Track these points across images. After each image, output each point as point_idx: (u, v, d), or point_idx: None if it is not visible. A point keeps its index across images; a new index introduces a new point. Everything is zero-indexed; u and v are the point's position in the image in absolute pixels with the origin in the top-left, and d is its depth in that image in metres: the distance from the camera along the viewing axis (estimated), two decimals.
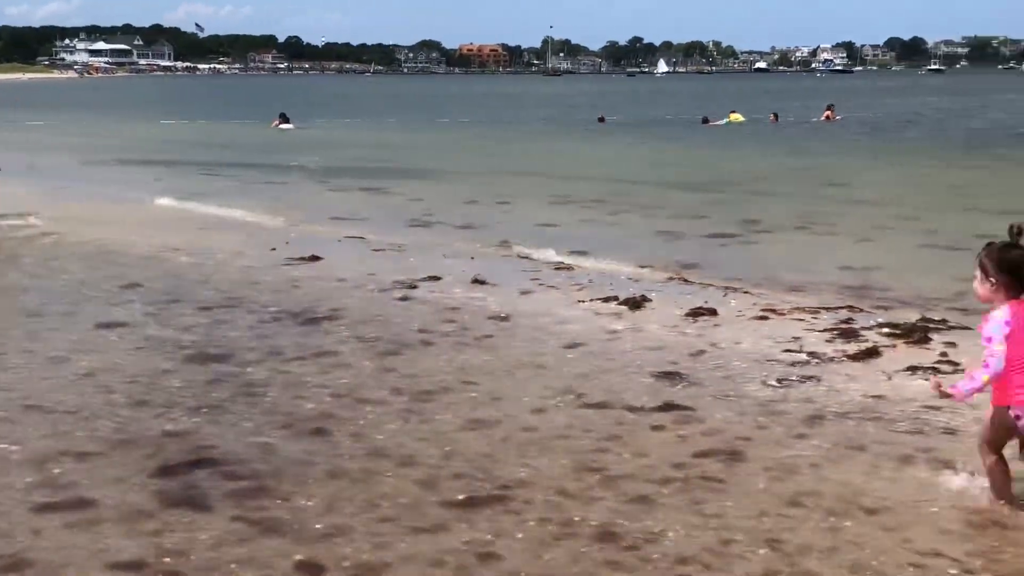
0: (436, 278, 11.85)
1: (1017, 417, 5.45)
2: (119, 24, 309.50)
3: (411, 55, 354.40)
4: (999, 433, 5.56)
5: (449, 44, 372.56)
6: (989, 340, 5.43)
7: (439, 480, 5.92)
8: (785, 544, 5.13)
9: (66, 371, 8.13)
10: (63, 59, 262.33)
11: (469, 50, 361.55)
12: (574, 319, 9.97)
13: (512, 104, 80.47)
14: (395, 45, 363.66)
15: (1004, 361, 5.37)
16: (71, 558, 4.97)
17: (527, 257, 13.63)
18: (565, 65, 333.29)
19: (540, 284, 11.72)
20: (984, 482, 5.68)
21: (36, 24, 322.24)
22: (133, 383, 7.80)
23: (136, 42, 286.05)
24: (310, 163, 28.55)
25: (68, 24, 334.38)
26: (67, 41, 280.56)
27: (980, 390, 5.52)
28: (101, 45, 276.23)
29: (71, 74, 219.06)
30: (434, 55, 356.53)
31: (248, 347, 8.85)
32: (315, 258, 13.13)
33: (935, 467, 6.09)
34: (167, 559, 4.96)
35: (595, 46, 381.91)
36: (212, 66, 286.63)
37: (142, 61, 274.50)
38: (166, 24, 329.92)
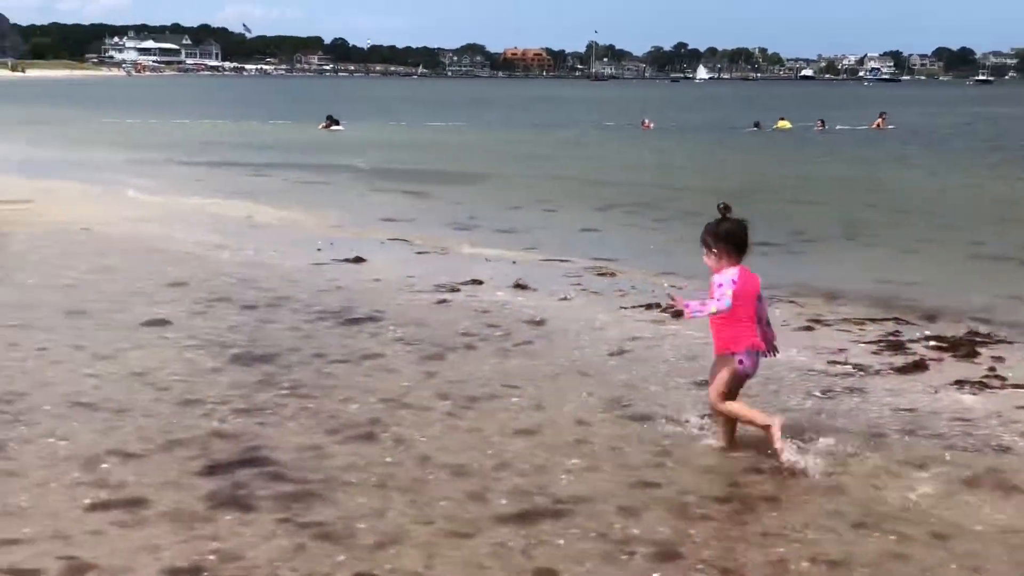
0: (478, 282, 11.85)
1: (740, 362, 6.38)
2: (168, 23, 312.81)
3: (455, 58, 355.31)
4: (730, 380, 6.46)
5: (493, 48, 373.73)
6: (720, 286, 6.35)
7: (491, 492, 5.87)
8: (847, 567, 5.06)
9: (114, 369, 8.20)
10: (112, 57, 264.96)
11: (513, 54, 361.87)
12: (616, 326, 9.93)
13: (556, 108, 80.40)
14: (440, 48, 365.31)
15: (730, 301, 6.26)
16: (130, 562, 4.98)
17: (569, 262, 13.61)
18: (609, 70, 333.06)
19: (582, 290, 11.70)
20: None
21: (87, 21, 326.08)
22: (180, 382, 7.86)
23: (184, 41, 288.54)
24: (357, 164, 28.63)
25: (118, 22, 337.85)
26: (116, 39, 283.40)
27: (702, 315, 6.41)
28: (150, 44, 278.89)
29: (119, 72, 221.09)
30: (478, 59, 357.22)
31: (293, 348, 8.89)
32: (359, 260, 13.18)
33: (994, 486, 6.01)
34: (222, 565, 4.96)
35: (639, 51, 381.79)
36: (259, 67, 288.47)
37: (189, 60, 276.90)
38: (214, 24, 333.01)
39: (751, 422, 6.48)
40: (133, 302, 10.56)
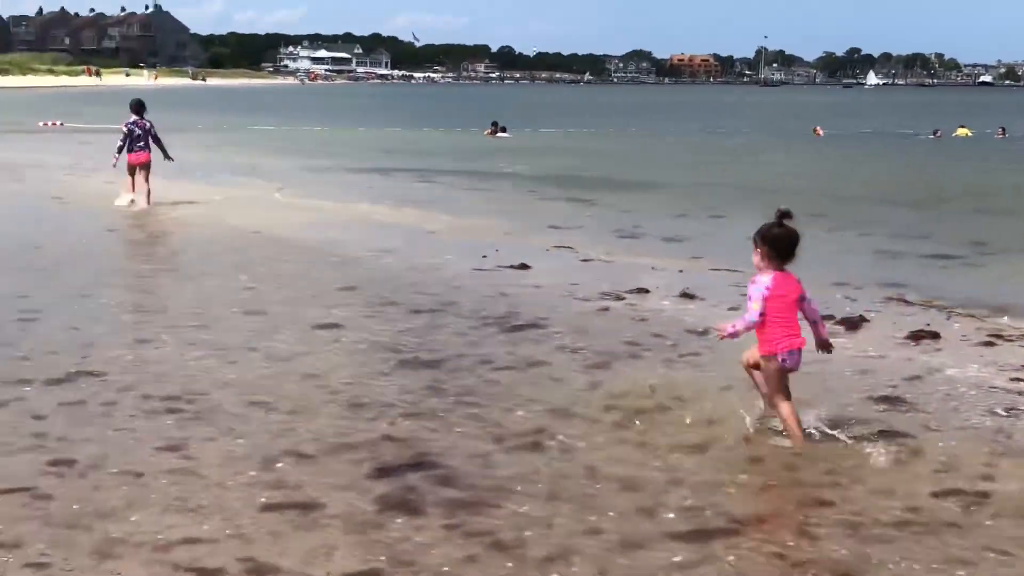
0: (644, 291, 11.75)
1: (783, 361, 6.69)
2: (340, 32, 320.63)
3: (621, 65, 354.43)
4: (776, 379, 6.77)
5: (660, 54, 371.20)
6: (750, 299, 6.73)
7: (661, 507, 5.78)
8: None
9: (287, 370, 8.39)
10: (286, 66, 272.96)
11: (680, 60, 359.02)
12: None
13: (725, 114, 79.44)
14: (606, 55, 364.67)
15: (757, 316, 6.65)
16: (305, 564, 5.05)
17: (738, 272, 13.37)
18: (778, 76, 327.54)
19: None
20: None
21: (263, 31, 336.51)
22: (351, 385, 7.99)
23: (356, 50, 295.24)
24: (522, 171, 28.76)
25: (293, 32, 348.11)
26: (291, 48, 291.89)
27: (737, 335, 6.80)
28: (323, 53, 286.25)
29: (293, 80, 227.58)
30: (644, 65, 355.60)
31: (460, 354, 8.95)
32: (524, 266, 13.21)
33: None
34: (394, 570, 5.00)
35: (810, 57, 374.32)
36: (427, 75, 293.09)
37: (360, 69, 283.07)
38: (385, 33, 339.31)
39: (789, 429, 6.77)
40: (306, 305, 10.80)
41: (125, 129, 18.58)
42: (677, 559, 5.16)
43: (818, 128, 51.65)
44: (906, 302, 11.52)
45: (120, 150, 18.57)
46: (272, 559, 5.08)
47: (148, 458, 6.39)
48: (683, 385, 8.08)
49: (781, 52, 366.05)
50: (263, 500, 5.77)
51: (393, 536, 5.34)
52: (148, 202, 18.47)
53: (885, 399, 7.76)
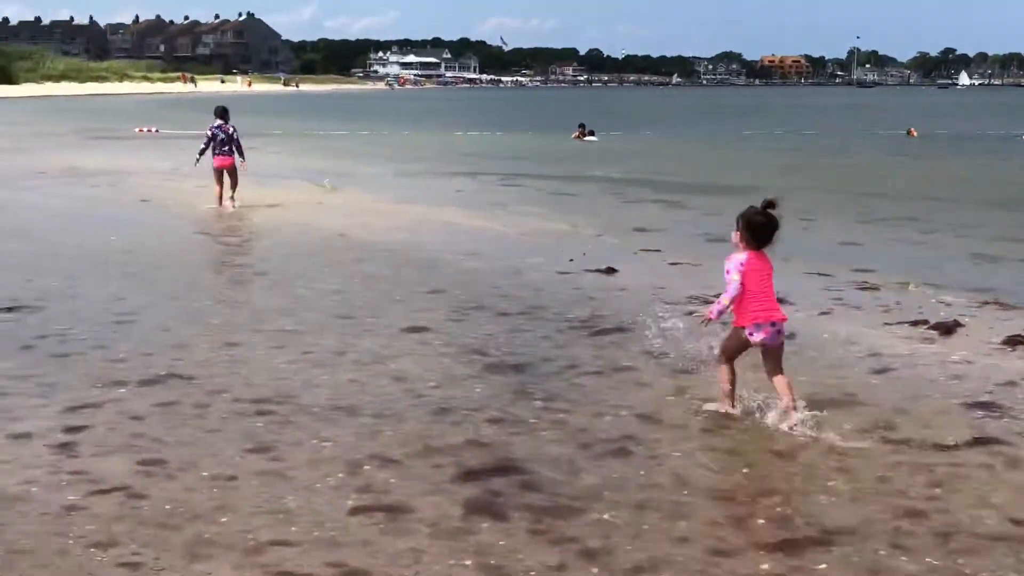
0: None
1: (750, 333, 7.18)
2: (429, 37, 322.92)
3: (710, 66, 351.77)
4: (734, 345, 7.31)
5: (750, 55, 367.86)
6: (728, 272, 7.18)
7: (752, 516, 5.69)
8: None
9: (374, 374, 8.45)
10: (376, 71, 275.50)
11: (771, 61, 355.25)
12: (879, 343, 9.53)
13: (817, 116, 78.32)
14: (694, 57, 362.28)
15: (738, 286, 7.08)
16: (393, 569, 5.06)
17: (829, 276, 13.17)
18: (871, 76, 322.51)
19: (843, 304, 11.30)
20: None
21: (353, 37, 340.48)
22: (437, 388, 8.02)
23: (444, 55, 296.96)
24: (610, 174, 28.63)
25: (382, 37, 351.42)
26: (380, 54, 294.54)
27: (724, 311, 7.25)
28: (412, 58, 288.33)
29: (382, 86, 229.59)
30: (734, 66, 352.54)
31: (545, 358, 8.93)
32: (611, 270, 13.15)
33: None
34: None
35: (904, 57, 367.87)
36: (515, 79, 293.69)
37: (448, 73, 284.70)
38: (473, 38, 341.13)
39: (722, 388, 7.41)
40: (393, 308, 10.87)
41: (209, 133, 19.23)
42: (765, 566, 5.08)
43: (912, 129, 50.71)
44: (1002, 306, 11.24)
45: (202, 153, 19.28)
46: (360, 563, 5.10)
47: (237, 460, 6.47)
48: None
49: (874, 52, 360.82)
50: (350, 503, 5.80)
51: (480, 541, 5.34)
52: (233, 205, 19.07)
53: (980, 405, 7.59)
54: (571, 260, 13.91)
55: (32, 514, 5.64)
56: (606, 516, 5.64)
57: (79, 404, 7.55)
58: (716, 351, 7.55)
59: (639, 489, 6.04)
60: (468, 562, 5.10)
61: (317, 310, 10.77)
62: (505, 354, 9.05)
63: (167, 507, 5.72)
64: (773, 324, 7.20)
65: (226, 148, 19.07)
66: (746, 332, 7.18)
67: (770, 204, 7.27)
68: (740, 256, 7.19)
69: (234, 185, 19.24)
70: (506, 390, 8.01)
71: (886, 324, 10.30)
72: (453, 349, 9.22)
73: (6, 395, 7.78)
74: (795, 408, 7.15)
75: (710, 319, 7.35)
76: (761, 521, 5.61)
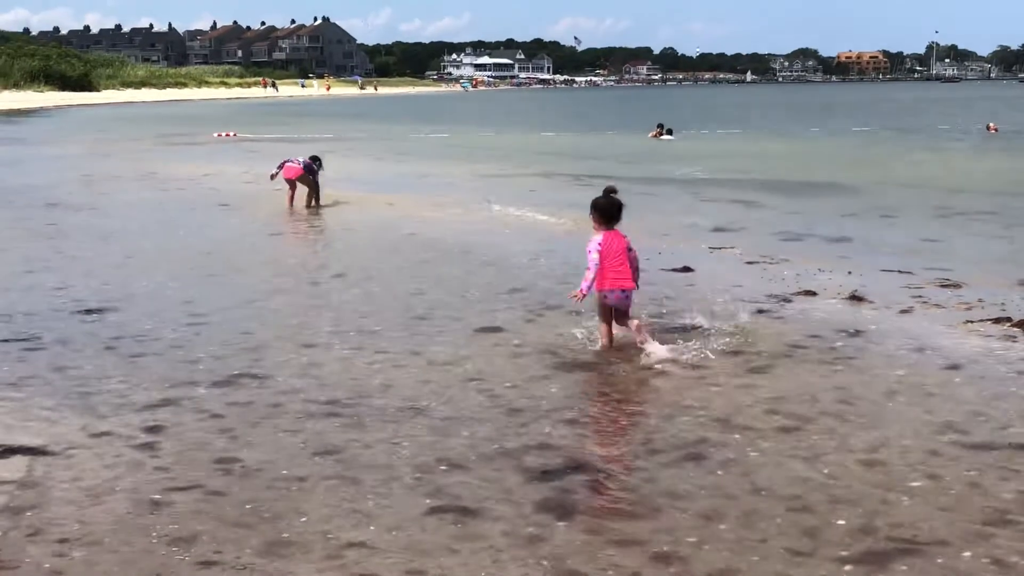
0: (811, 293, 11.48)
1: (605, 296, 8.85)
2: (503, 39, 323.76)
3: (786, 63, 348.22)
4: (599, 307, 9.03)
5: (826, 52, 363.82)
6: (590, 252, 8.81)
7: (829, 525, 5.53)
8: None
9: (449, 374, 8.47)
10: (450, 73, 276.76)
11: (847, 57, 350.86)
12: (960, 341, 9.34)
13: (897, 112, 77.10)
14: (770, 54, 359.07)
15: (596, 263, 8.73)
16: (473, 573, 5.04)
17: (909, 273, 12.95)
18: (951, 71, 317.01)
19: (923, 302, 11.09)
20: None
21: (427, 40, 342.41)
22: (512, 388, 8.01)
23: (518, 56, 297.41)
24: (689, 173, 28.38)
25: (456, 40, 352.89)
26: (454, 56, 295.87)
27: (591, 285, 8.79)
28: (485, 59, 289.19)
29: (457, 88, 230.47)
30: (810, 63, 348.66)
31: (619, 358, 8.88)
32: (687, 269, 13.05)
33: None
34: None
35: (984, 51, 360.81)
36: (588, 78, 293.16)
37: (522, 74, 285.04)
38: (547, 38, 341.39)
39: (602, 333, 9.10)
40: (468, 308, 10.89)
41: (287, 160, 20.02)
42: (847, 568, 4.98)
43: (992, 124, 49.69)
44: None
45: (280, 167, 19.92)
46: (436, 566, 5.09)
47: (312, 460, 6.52)
48: (850, 391, 7.86)
49: (953, 47, 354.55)
50: (426, 504, 5.80)
51: (555, 545, 5.30)
52: (310, 204, 19.92)
53: None
54: (647, 259, 13.77)
55: (115, 512, 5.72)
56: (678, 522, 5.57)
57: (158, 403, 7.67)
58: (597, 318, 9.17)
59: (711, 493, 5.96)
60: (545, 563, 5.07)
61: (392, 310, 10.82)
62: (579, 354, 9.01)
63: (247, 506, 5.77)
64: (623, 291, 8.83)
65: (292, 163, 19.83)
66: (602, 296, 8.85)
67: (611, 190, 9.15)
68: (597, 237, 8.85)
69: (313, 191, 20.02)
70: (579, 391, 8.00)
71: (968, 322, 10.10)
72: (528, 349, 9.21)
73: (88, 394, 7.92)
74: (648, 342, 8.83)
75: (583, 295, 8.84)
76: (840, 526, 5.49)
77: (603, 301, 8.92)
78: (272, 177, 20.28)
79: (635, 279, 9.00)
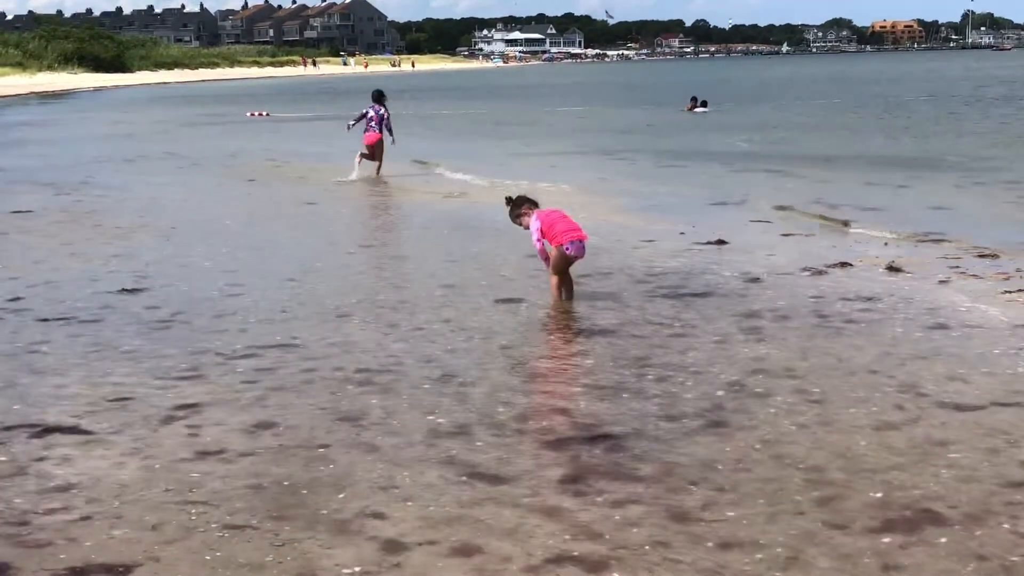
0: (847, 264, 11.40)
1: (567, 248, 9.60)
2: (533, 14, 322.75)
3: (820, 34, 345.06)
4: (558, 261, 9.74)
5: (860, 21, 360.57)
6: (532, 233, 9.76)
7: (850, 491, 5.52)
8: None
9: (477, 344, 8.56)
10: (481, 49, 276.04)
11: (882, 27, 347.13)
12: (1001, 311, 9.26)
13: (934, 81, 76.12)
14: (803, 24, 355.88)
15: (538, 239, 9.71)
16: (506, 542, 5.05)
17: (946, 241, 12.84)
18: (987, 39, 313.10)
19: (961, 272, 10.99)
20: None
21: (457, 16, 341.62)
22: (537, 358, 8.08)
23: (549, 31, 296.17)
24: (734, 144, 28.10)
25: (487, 15, 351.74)
26: (485, 32, 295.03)
27: (543, 250, 9.80)
28: (516, 35, 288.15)
29: (488, 63, 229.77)
30: (844, 33, 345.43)
31: (650, 330, 8.87)
32: (721, 242, 12.98)
33: None
34: (588, 548, 4.97)
35: (1021, 18, 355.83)
36: (620, 52, 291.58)
37: (553, 49, 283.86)
38: (578, 12, 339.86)
39: (552, 293, 9.92)
40: (497, 281, 10.96)
41: (363, 112, 21.86)
42: (886, 539, 4.97)
43: None
44: None
45: (355, 122, 22.01)
46: (474, 540, 5.08)
47: (336, 427, 6.60)
48: (884, 362, 7.82)
49: (990, 15, 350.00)
50: (460, 477, 5.82)
51: (588, 515, 5.30)
52: (377, 174, 21.47)
53: None
54: (682, 233, 13.77)
55: (156, 488, 5.77)
56: (697, 493, 5.56)
57: (194, 375, 7.75)
58: (549, 274, 9.95)
59: (739, 468, 5.93)
60: (579, 535, 5.07)
61: (424, 285, 10.83)
62: (609, 325, 9.05)
63: (285, 483, 5.79)
64: (581, 241, 9.66)
65: (375, 126, 21.54)
66: (564, 248, 9.60)
67: (509, 199, 10.19)
68: (535, 223, 9.75)
69: (380, 160, 21.64)
70: (608, 361, 7.99)
71: (1007, 292, 10.01)
72: (553, 320, 9.31)
73: (123, 367, 7.97)
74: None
75: (545, 258, 9.87)
76: (862, 498, 5.44)
77: (566, 254, 9.67)
78: (348, 127, 22.26)
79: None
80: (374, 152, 21.55)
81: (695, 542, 4.99)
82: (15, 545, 5.07)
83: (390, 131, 21.72)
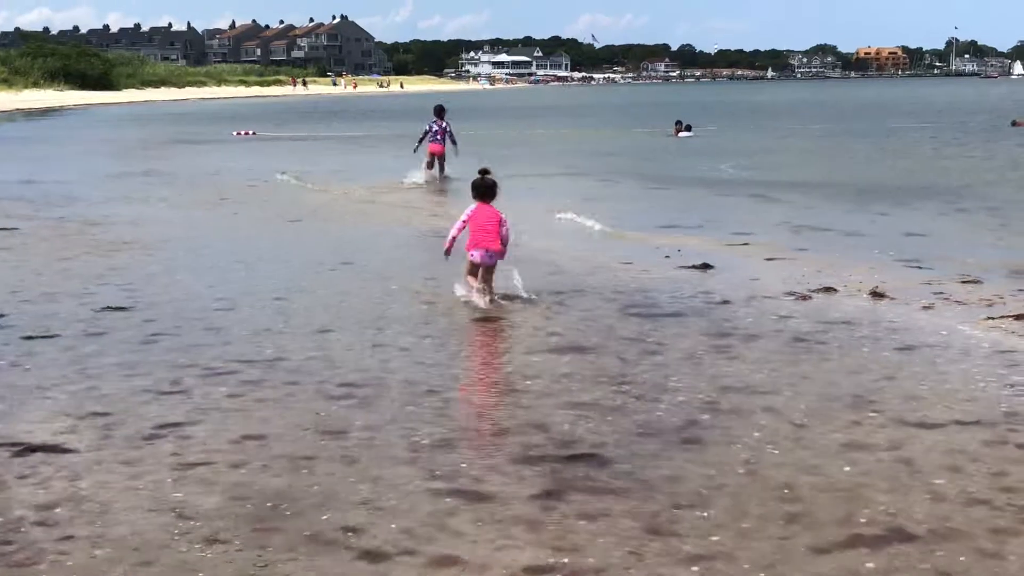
0: (831, 289, 11.44)
1: (472, 255, 10.52)
2: (520, 36, 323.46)
3: (805, 60, 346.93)
4: (468, 265, 10.68)
5: (845, 48, 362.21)
6: (460, 218, 10.74)
7: (853, 513, 5.55)
8: None
9: (462, 359, 8.63)
10: (468, 71, 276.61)
11: (867, 53, 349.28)
12: (985, 337, 9.31)
13: (919, 108, 76.58)
14: (788, 50, 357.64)
15: (459, 225, 10.74)
16: (485, 556, 5.08)
17: (930, 269, 12.91)
18: (971, 67, 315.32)
19: (944, 299, 11.04)
20: None
21: (445, 38, 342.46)
22: (526, 376, 8.07)
23: (536, 54, 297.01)
24: (718, 170, 28.14)
25: (474, 37, 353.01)
26: (472, 53, 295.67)
27: (453, 241, 10.83)
28: (503, 57, 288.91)
29: (475, 85, 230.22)
30: (829, 59, 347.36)
31: (630, 350, 8.90)
32: (706, 266, 13.01)
33: None
34: (569, 561, 5.00)
35: (1004, 46, 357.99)
36: (606, 75, 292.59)
37: (540, 72, 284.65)
38: (564, 35, 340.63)
39: (468, 283, 10.70)
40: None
41: (427, 127, 24.66)
42: (870, 565, 4.99)
43: (1019, 119, 49.14)
44: None
45: (420, 141, 24.77)
46: (455, 552, 5.11)
47: (319, 443, 6.61)
48: (875, 388, 7.85)
49: (973, 42, 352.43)
50: (437, 487, 5.88)
51: (565, 528, 5.36)
52: (441, 177, 24.31)
53: None
54: (667, 257, 13.81)
55: (139, 506, 5.75)
56: (677, 506, 5.62)
57: (178, 389, 7.74)
58: (464, 274, 10.82)
59: (716, 476, 5.99)
60: (549, 549, 5.11)
61: (404, 303, 10.85)
62: (591, 344, 9.08)
63: (267, 504, 5.77)
64: (487, 251, 10.49)
65: (438, 138, 24.33)
66: (470, 254, 10.50)
67: (485, 171, 11.00)
68: (471, 206, 10.65)
69: (442, 168, 24.44)
70: (588, 379, 8.01)
71: (990, 319, 10.06)
72: (553, 340, 9.30)
73: (107, 384, 7.95)
74: (488, 294, 10.53)
75: (447, 249, 10.84)
76: (861, 519, 5.48)
77: (470, 259, 10.61)
78: (415, 149, 24.80)
79: (503, 246, 10.67)
80: (437, 160, 24.32)
81: (670, 555, 5.04)
82: None
83: (454, 141, 24.50)
